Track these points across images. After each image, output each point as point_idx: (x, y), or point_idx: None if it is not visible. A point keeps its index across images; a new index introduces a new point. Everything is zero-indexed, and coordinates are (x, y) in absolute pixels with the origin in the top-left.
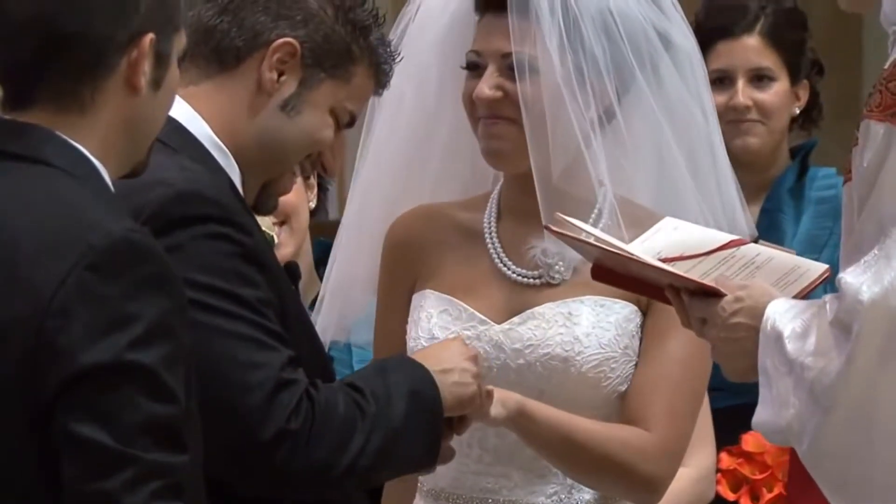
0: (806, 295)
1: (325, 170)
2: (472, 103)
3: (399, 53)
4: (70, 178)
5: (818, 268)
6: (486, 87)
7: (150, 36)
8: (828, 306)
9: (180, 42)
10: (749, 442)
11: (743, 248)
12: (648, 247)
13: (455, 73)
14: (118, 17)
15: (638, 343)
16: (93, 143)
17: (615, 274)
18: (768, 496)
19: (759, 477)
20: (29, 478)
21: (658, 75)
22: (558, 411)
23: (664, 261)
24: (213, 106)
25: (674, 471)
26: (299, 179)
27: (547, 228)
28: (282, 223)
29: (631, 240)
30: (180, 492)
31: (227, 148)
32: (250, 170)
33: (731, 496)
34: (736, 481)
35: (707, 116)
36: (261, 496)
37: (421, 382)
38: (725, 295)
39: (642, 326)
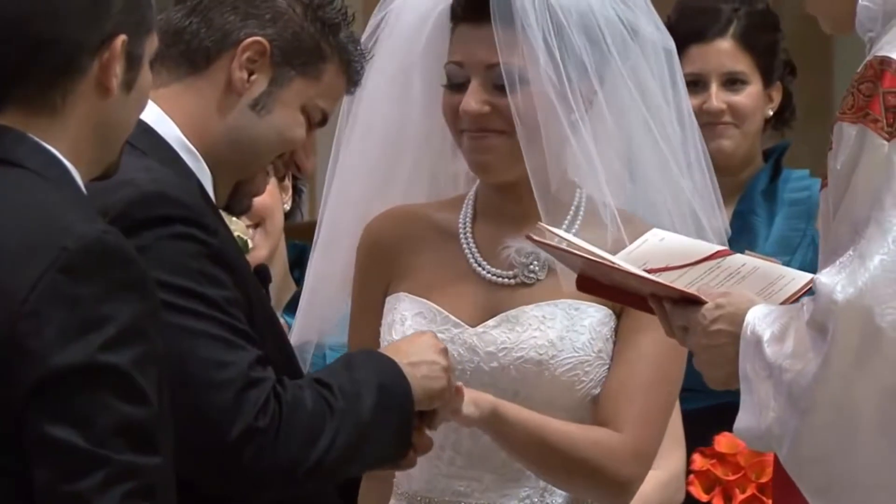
0: (791, 304)
1: (299, 169)
2: (454, 116)
3: (370, 52)
4: (42, 181)
5: (803, 277)
6: (473, 101)
7: (122, 38)
8: (804, 308)
9: (152, 44)
10: (722, 443)
11: (728, 258)
12: (634, 257)
13: (429, 76)
14: (90, 20)
15: (612, 346)
16: (64, 145)
17: (599, 284)
18: (741, 497)
19: (732, 478)
20: (1, 482)
21: (632, 71)
22: (531, 413)
23: (650, 271)
24: (183, 107)
25: (644, 473)
26: (274, 181)
27: (529, 238)
28: (256, 225)
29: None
30: (152, 494)
31: (198, 150)
32: (222, 170)
33: (704, 497)
34: (709, 482)
35: (670, 105)
36: (231, 496)
37: (389, 376)
38: (707, 303)
39: (616, 330)
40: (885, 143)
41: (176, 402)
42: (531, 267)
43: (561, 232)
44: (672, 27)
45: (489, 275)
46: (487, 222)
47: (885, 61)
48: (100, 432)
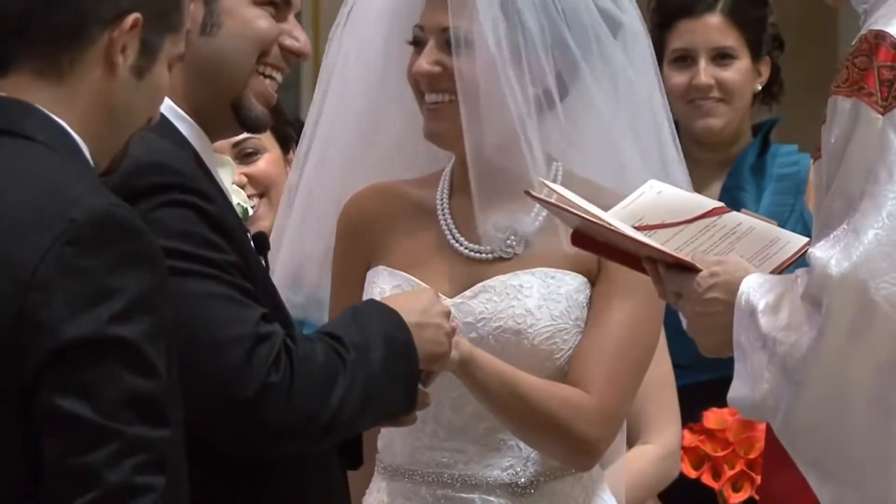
0: (786, 268)
1: (296, 54)
2: (415, 79)
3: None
4: (51, 153)
5: (799, 241)
6: (424, 61)
7: (136, 15)
8: (799, 280)
9: (175, 44)
10: (711, 419)
11: (725, 216)
12: (630, 211)
13: (406, 49)
14: None
15: (587, 314)
16: (73, 119)
17: (594, 242)
18: (730, 473)
19: (720, 454)
20: (8, 455)
21: (604, 54)
22: (505, 364)
23: (646, 227)
24: None
25: (611, 435)
26: (279, 153)
27: (527, 193)
28: (260, 195)
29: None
30: (163, 466)
31: (183, 108)
32: (210, 104)
33: (693, 473)
34: (698, 458)
35: (653, 95)
36: (248, 455)
37: (395, 328)
38: (701, 270)
39: (590, 297)
40: (880, 116)
41: (187, 364)
42: (508, 241)
43: (559, 188)
44: (661, 2)
45: (466, 250)
46: (464, 197)
47: (879, 35)
48: (109, 405)
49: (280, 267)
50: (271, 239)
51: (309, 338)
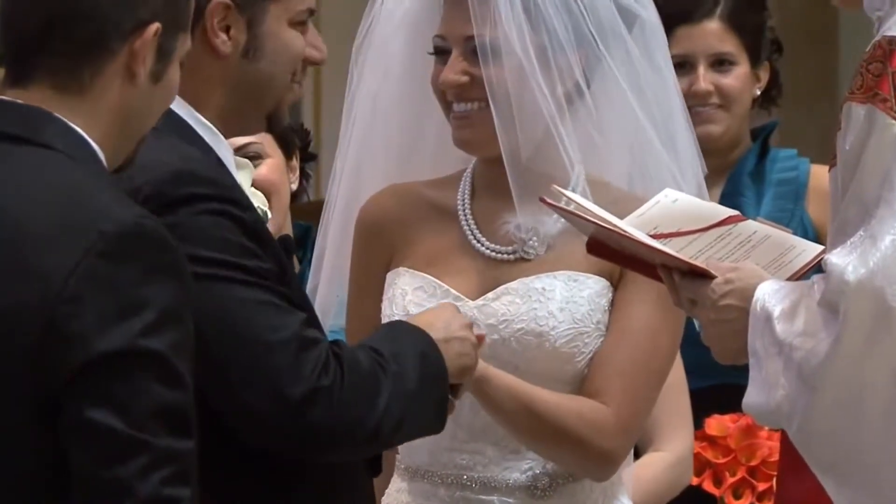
0: (801, 276)
1: (317, 63)
2: (441, 90)
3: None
4: (73, 162)
5: (814, 248)
6: (451, 72)
7: (156, 26)
8: (815, 287)
9: (185, 43)
10: (712, 426)
11: (740, 224)
12: (645, 220)
13: (427, 59)
14: (126, 3)
15: (609, 318)
16: (92, 128)
17: (609, 249)
18: (731, 480)
19: (722, 461)
20: (34, 465)
21: (625, 50)
22: (518, 380)
23: (660, 236)
24: (186, 86)
25: (629, 446)
26: (282, 160)
27: (542, 201)
28: None
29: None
30: (187, 478)
31: (211, 122)
32: (246, 118)
33: (694, 480)
34: (699, 465)
35: (670, 90)
36: (290, 457)
37: (427, 346)
38: (716, 276)
39: (612, 301)
40: (894, 122)
41: (234, 370)
42: (531, 242)
43: (575, 196)
44: (659, 8)
45: (488, 251)
46: (486, 199)
47: (893, 41)
48: (140, 417)
49: (325, 274)
50: (314, 257)
51: (352, 346)
